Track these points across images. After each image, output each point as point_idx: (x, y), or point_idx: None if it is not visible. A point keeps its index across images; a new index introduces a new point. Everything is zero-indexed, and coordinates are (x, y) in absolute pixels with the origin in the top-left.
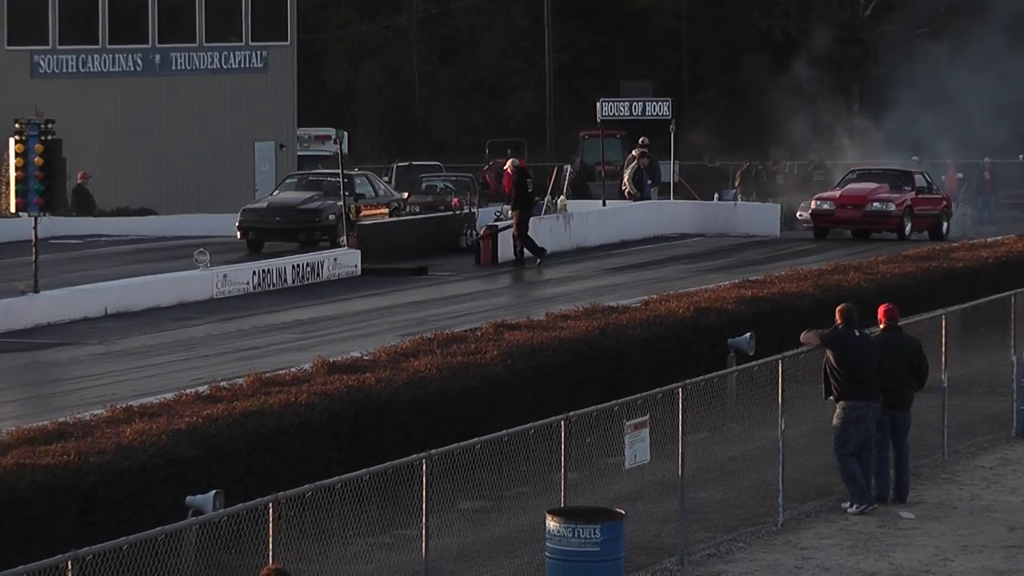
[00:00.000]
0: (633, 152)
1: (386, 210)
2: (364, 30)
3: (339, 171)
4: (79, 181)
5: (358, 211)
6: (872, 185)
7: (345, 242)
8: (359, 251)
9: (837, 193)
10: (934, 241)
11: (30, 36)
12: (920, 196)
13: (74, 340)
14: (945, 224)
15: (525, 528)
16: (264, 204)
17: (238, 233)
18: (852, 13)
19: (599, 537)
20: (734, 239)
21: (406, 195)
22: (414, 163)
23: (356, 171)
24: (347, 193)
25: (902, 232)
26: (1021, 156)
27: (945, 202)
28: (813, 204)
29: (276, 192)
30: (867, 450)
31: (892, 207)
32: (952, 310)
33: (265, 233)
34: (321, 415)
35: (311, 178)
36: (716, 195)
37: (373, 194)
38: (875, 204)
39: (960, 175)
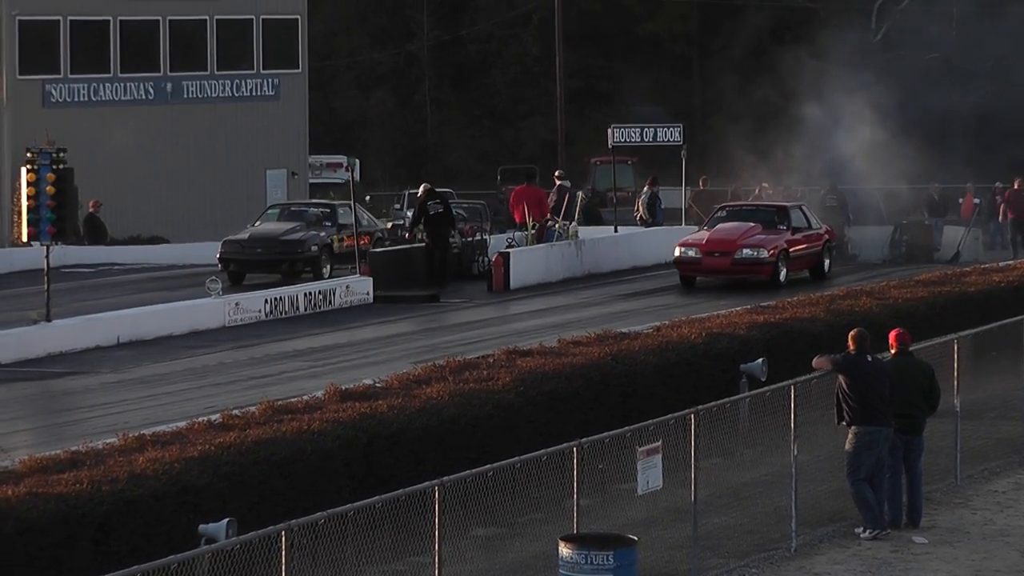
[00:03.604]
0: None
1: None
2: (375, 57)
3: (325, 201)
4: (91, 210)
5: (341, 242)
6: (743, 226)
7: (329, 272)
8: (371, 279)
9: (704, 238)
10: (815, 280)
11: (42, 65)
12: (797, 235)
13: (86, 369)
14: (827, 261)
15: (538, 555)
16: (246, 235)
17: (219, 264)
18: (863, 38)
19: (612, 564)
20: None
21: (390, 225)
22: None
23: (366, 200)
24: (331, 224)
25: (776, 279)
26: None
27: (827, 236)
28: (677, 251)
29: (258, 223)
30: (880, 475)
31: (764, 253)
32: (964, 335)
33: (246, 265)
34: (334, 443)
35: (293, 208)
36: None
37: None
38: (745, 251)
39: (977, 200)
